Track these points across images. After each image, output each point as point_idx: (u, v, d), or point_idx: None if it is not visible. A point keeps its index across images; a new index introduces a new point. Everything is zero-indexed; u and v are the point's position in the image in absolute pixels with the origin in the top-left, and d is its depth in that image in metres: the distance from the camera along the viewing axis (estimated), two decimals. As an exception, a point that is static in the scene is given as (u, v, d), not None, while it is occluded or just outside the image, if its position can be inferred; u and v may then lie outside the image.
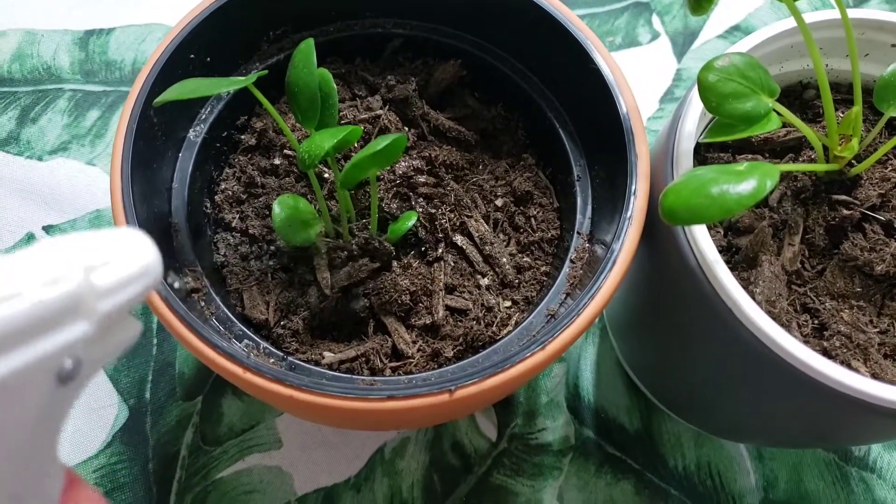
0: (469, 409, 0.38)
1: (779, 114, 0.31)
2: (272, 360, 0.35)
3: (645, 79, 0.61)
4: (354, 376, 0.35)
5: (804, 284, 0.36)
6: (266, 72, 0.34)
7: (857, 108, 0.32)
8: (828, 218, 0.36)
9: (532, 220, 0.42)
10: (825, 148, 0.35)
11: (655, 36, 0.63)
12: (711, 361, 0.35)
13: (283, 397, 0.30)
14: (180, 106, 0.39)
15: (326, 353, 0.37)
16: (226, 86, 0.32)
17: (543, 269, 0.41)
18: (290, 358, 0.36)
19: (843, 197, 0.36)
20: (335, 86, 0.42)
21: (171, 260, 0.37)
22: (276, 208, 0.37)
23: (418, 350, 0.38)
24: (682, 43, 0.63)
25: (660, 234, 0.34)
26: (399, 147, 0.34)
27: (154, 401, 0.49)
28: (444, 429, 0.49)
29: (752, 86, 0.30)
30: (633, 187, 0.34)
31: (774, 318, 0.34)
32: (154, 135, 0.37)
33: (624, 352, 0.48)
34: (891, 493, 0.48)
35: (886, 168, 0.36)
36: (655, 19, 0.64)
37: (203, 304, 0.36)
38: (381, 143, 0.33)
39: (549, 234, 0.41)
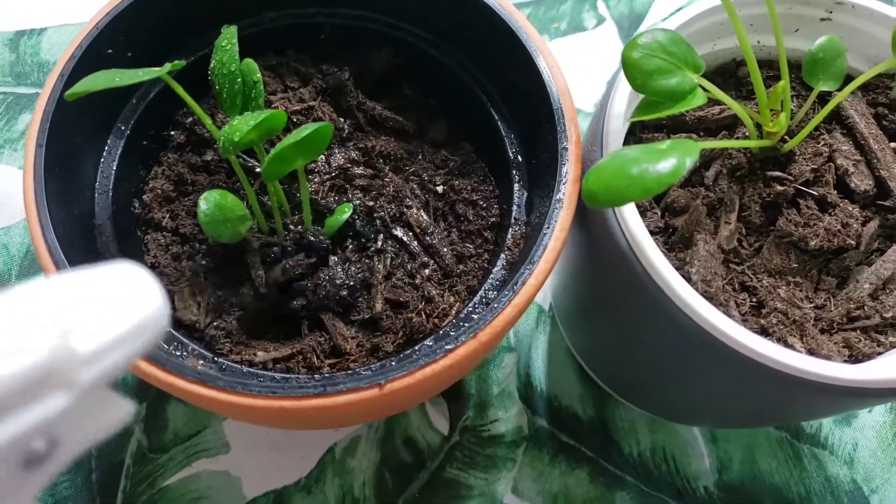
0: (406, 402, 0.38)
1: (705, 90, 0.31)
2: (202, 363, 0.34)
3: (591, 64, 0.61)
4: (289, 376, 0.34)
5: (742, 262, 0.35)
6: (183, 62, 0.33)
7: (783, 83, 0.32)
8: (763, 195, 0.35)
9: (472, 207, 0.41)
10: (759, 125, 0.35)
11: (601, 21, 0.63)
12: (652, 346, 0.35)
13: (206, 399, 0.29)
14: (102, 102, 0.37)
15: (260, 353, 0.36)
16: (140, 76, 0.31)
17: (485, 256, 0.40)
18: (221, 359, 0.35)
19: (777, 173, 0.36)
20: (261, 76, 0.41)
21: (95, 263, 0.35)
22: (202, 204, 0.36)
23: (358, 345, 0.37)
24: (628, 27, 0.63)
25: (593, 218, 0.33)
26: (324, 136, 0.33)
27: (95, 410, 0.48)
28: (395, 424, 0.48)
29: (676, 61, 0.30)
30: (564, 171, 0.33)
31: (711, 298, 0.33)
32: (72, 134, 0.36)
33: (572, 340, 0.48)
34: (843, 468, 0.48)
35: (819, 143, 0.36)
36: (601, 4, 0.64)
37: (128, 306, 0.35)
38: (303, 131, 0.32)
39: (490, 221, 0.41)
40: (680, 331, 0.30)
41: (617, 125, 0.33)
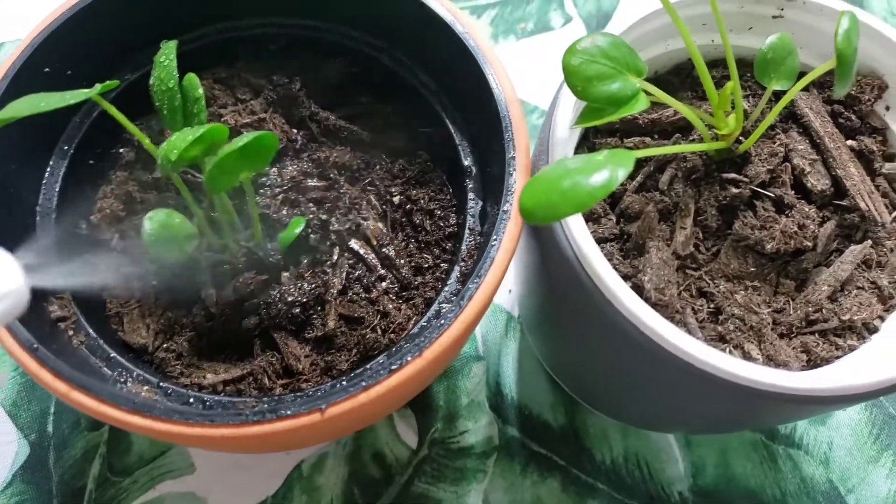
0: (358, 423, 0.37)
1: (650, 94, 0.30)
2: (146, 388, 0.33)
3: (559, 65, 0.60)
4: (237, 399, 0.34)
5: (699, 267, 0.35)
6: (116, 83, 0.32)
7: (731, 85, 0.31)
8: (719, 198, 0.35)
9: (430, 217, 0.40)
10: (713, 127, 0.34)
11: (568, 20, 0.62)
12: (607, 356, 0.34)
13: (143, 428, 0.28)
14: (41, 123, 0.36)
15: (209, 375, 0.35)
16: (67, 100, 0.30)
17: (444, 267, 0.39)
18: (167, 384, 0.34)
19: (733, 175, 0.35)
20: (211, 89, 0.41)
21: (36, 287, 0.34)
22: (146, 224, 0.35)
23: (311, 364, 0.36)
24: (596, 26, 0.62)
25: (542, 228, 0.32)
26: (268, 144, 0.32)
27: (57, 434, 0.47)
28: (363, 439, 0.47)
29: (617, 66, 0.29)
30: (511, 181, 0.32)
31: (666, 306, 0.33)
32: (7, 160, 0.35)
33: (538, 349, 0.47)
34: (819, 468, 0.47)
35: (775, 143, 0.35)
36: (568, 3, 0.63)
37: (71, 332, 0.34)
38: (245, 138, 0.31)
39: (447, 231, 0.40)
40: (630, 342, 0.30)
41: (563, 133, 0.32)
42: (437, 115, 0.40)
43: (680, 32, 0.30)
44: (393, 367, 0.29)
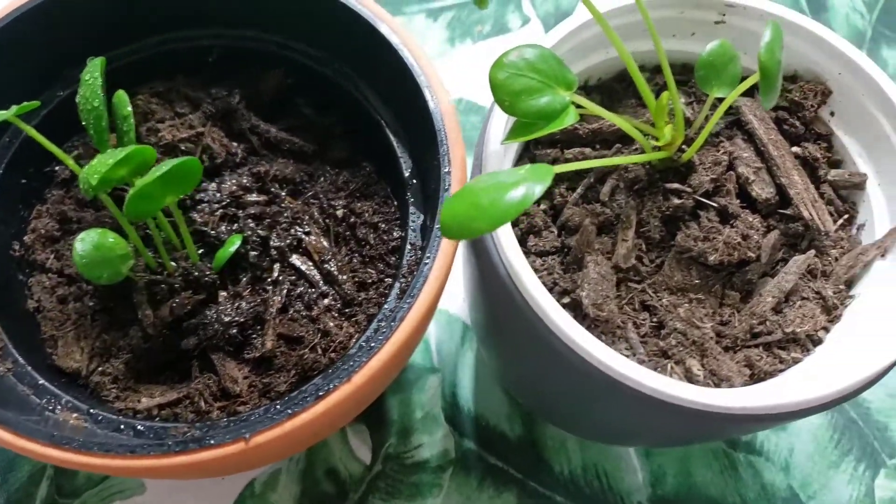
0: (286, 450, 0.36)
1: (581, 106, 0.29)
2: (75, 416, 0.32)
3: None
4: (169, 425, 0.33)
5: (642, 280, 0.34)
6: (36, 103, 0.31)
7: (666, 94, 0.30)
8: (662, 209, 0.34)
9: (374, 231, 0.39)
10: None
11: (526, 21, 0.61)
12: (547, 373, 0.33)
13: (62, 461, 0.27)
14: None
15: (144, 399, 0.34)
16: (-21, 122, 0.29)
17: (388, 282, 0.38)
18: (98, 409, 0.33)
19: (675, 185, 0.34)
20: (148, 104, 0.40)
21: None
22: (78, 246, 0.34)
23: (250, 386, 0.35)
24: (554, 26, 0.61)
25: (477, 241, 0.32)
26: (192, 169, 0.31)
27: (2, 456, 0.46)
28: (316, 455, 0.46)
29: (545, 80, 0.28)
30: (446, 195, 0.32)
31: (606, 321, 0.32)
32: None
33: (488, 362, 0.46)
34: (779, 475, 0.47)
35: (719, 151, 0.35)
36: (526, 4, 0.62)
37: (-5, 360, 0.33)
38: (165, 166, 0.30)
39: (391, 246, 0.39)
40: (562, 360, 0.29)
41: (495, 147, 0.31)
42: (379, 127, 0.39)
43: (631, 36, 0.30)
44: (320, 394, 0.28)
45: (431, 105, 0.34)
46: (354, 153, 0.42)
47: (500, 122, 0.31)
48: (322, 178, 0.41)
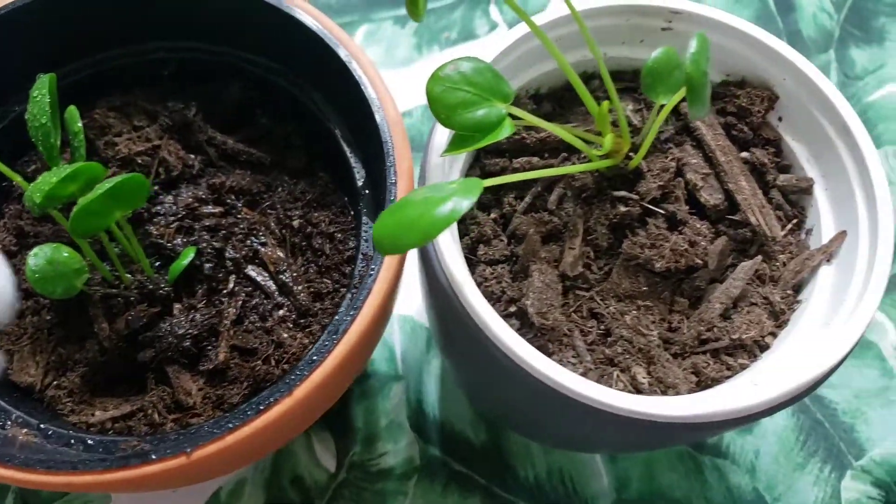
0: (229, 465, 0.36)
1: (518, 118, 0.29)
2: (25, 431, 0.32)
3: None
4: (120, 438, 0.33)
5: (591, 288, 0.34)
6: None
7: (606, 103, 0.30)
8: (609, 216, 0.34)
9: (330, 241, 0.39)
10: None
11: (493, 27, 0.61)
12: (494, 382, 0.33)
13: (5, 479, 0.27)
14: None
15: (97, 413, 0.35)
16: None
17: (343, 293, 0.38)
18: (49, 424, 0.33)
19: (622, 193, 0.34)
20: (106, 118, 0.40)
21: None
22: (31, 261, 0.34)
23: (204, 398, 0.35)
24: (524, 32, 0.61)
25: (423, 251, 0.32)
26: (138, 186, 0.32)
27: (-31, 469, 0.46)
28: (282, 464, 0.46)
29: (481, 92, 0.28)
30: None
31: (552, 329, 0.32)
32: None
33: (449, 371, 0.46)
34: (745, 477, 0.47)
35: (667, 157, 0.35)
36: (493, 9, 0.62)
37: (-55, 377, 0.33)
38: (109, 183, 0.30)
39: (347, 255, 0.39)
40: (504, 369, 0.29)
41: (438, 160, 0.31)
42: (333, 137, 0.39)
43: (582, 43, 0.29)
44: (261, 407, 0.28)
45: (378, 116, 0.34)
46: (312, 163, 0.42)
47: (443, 134, 0.32)
48: (280, 189, 0.41)
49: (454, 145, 0.29)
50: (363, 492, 0.46)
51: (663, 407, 0.27)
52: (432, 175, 0.31)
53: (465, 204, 0.24)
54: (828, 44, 0.62)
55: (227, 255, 0.39)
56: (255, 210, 0.41)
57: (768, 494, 0.47)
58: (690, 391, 0.31)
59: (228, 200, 0.40)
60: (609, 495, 0.46)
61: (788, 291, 0.34)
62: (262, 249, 0.39)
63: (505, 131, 0.28)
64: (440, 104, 0.28)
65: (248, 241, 0.39)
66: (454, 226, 0.34)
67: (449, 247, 0.29)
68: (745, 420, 0.29)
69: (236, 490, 0.46)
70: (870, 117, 0.59)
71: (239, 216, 0.40)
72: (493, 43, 0.34)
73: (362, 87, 0.34)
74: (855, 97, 0.60)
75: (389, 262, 0.31)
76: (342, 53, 0.35)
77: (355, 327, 0.30)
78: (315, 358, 0.29)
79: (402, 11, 0.61)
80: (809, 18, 0.63)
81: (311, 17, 0.36)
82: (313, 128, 0.41)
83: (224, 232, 0.39)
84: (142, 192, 0.32)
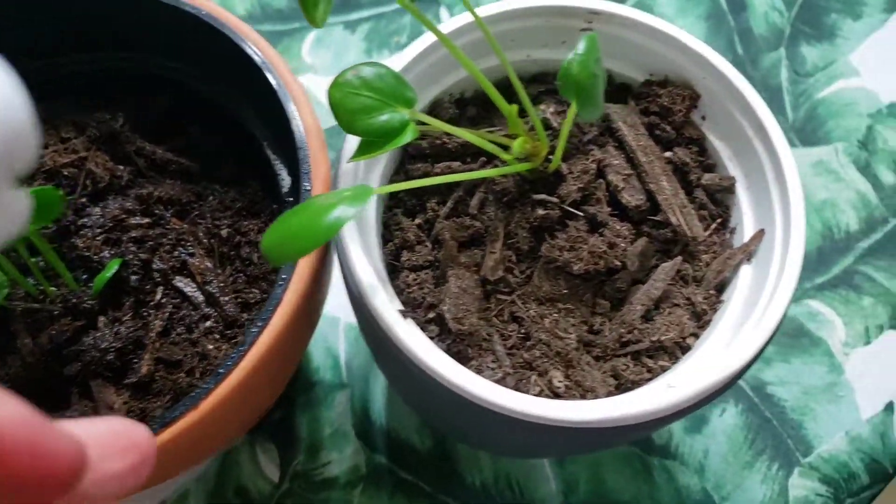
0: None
1: (425, 123, 0.29)
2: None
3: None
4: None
5: (512, 292, 0.34)
6: None
7: (516, 106, 0.30)
8: (530, 219, 0.34)
9: (258, 250, 0.39)
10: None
11: (443, 31, 0.61)
12: (413, 390, 0.33)
13: None
14: None
15: (16, 430, 0.34)
16: None
17: (273, 302, 0.38)
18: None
19: (542, 196, 0.34)
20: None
21: None
22: (-54, 278, 0.34)
23: (128, 412, 0.35)
24: (474, 35, 0.61)
25: (340, 255, 0.31)
26: (50, 199, 0.31)
27: None
28: (226, 475, 0.46)
29: (383, 98, 0.28)
30: (301, 215, 0.31)
31: (470, 334, 0.32)
32: None
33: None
34: (693, 478, 0.47)
35: (588, 159, 0.35)
36: (444, 13, 0.62)
37: None
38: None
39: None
40: (413, 375, 0.29)
41: (349, 165, 0.31)
42: (259, 145, 0.39)
43: (507, 45, 0.29)
44: (166, 421, 0.28)
45: (294, 122, 0.33)
46: (242, 172, 0.42)
47: (354, 141, 0.31)
48: (210, 198, 0.41)
49: (361, 151, 0.29)
50: (307, 502, 0.45)
51: (569, 412, 0.26)
52: (343, 181, 0.31)
53: (350, 213, 0.23)
54: (779, 41, 0.62)
55: (154, 266, 0.38)
56: (184, 220, 0.40)
57: (716, 494, 0.46)
58: (609, 394, 0.31)
59: (157, 211, 0.40)
60: (556, 499, 0.46)
61: (711, 292, 0.33)
62: (190, 260, 0.39)
63: (408, 136, 0.28)
64: (341, 110, 0.28)
65: (176, 252, 0.39)
66: (373, 231, 0.33)
67: (358, 254, 0.29)
68: (659, 423, 0.28)
69: (179, 501, 0.45)
70: (820, 114, 0.59)
71: (168, 227, 0.39)
72: (409, 48, 0.33)
73: (277, 92, 0.34)
74: (805, 94, 0.60)
75: (300, 271, 0.30)
76: (257, 59, 0.35)
77: (263, 339, 0.29)
78: (221, 371, 0.29)
79: (353, 16, 0.61)
80: (761, 16, 0.63)
81: (230, 25, 0.36)
82: (241, 136, 0.41)
83: (152, 243, 0.39)
84: (54, 206, 0.32)
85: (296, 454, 0.46)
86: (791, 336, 0.51)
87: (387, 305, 0.28)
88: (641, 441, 0.48)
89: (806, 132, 0.58)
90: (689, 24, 0.63)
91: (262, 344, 0.29)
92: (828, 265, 0.53)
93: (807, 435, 0.48)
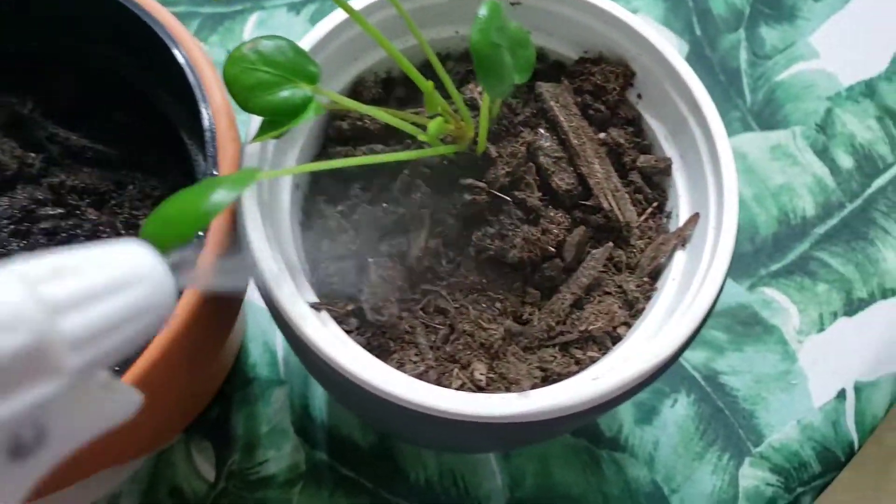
0: None
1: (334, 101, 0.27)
2: None
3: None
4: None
5: (439, 281, 0.32)
6: None
7: (432, 83, 0.28)
8: (457, 206, 0.32)
9: (182, 241, 0.37)
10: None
11: (392, 12, 0.59)
12: (328, 383, 0.31)
13: None
14: None
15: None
16: None
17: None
18: None
19: (469, 181, 0.32)
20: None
21: None
22: None
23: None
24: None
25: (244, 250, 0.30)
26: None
27: None
28: (160, 474, 0.44)
29: (283, 73, 0.26)
30: (207, 202, 0.29)
31: (390, 327, 0.30)
32: None
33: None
34: (643, 470, 0.46)
35: (518, 141, 0.33)
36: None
37: None
38: None
39: (199, 256, 0.37)
40: (319, 369, 0.27)
41: (254, 148, 0.29)
42: (176, 130, 0.37)
43: (433, 22, 0.27)
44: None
45: (201, 103, 0.31)
46: (164, 159, 0.40)
47: (258, 119, 0.29)
48: (130, 187, 0.39)
49: (262, 131, 0.27)
50: (243, 501, 0.43)
51: (482, 407, 0.25)
52: (247, 164, 0.29)
53: (230, 196, 0.22)
54: (738, 22, 0.61)
55: (68, 258, 0.36)
56: (101, 210, 0.38)
57: (666, 486, 0.45)
58: (534, 387, 0.29)
59: (71, 201, 0.38)
60: (502, 494, 0.45)
61: (645, 279, 0.32)
62: (108, 251, 0.37)
63: (310, 114, 0.26)
64: (237, 86, 0.26)
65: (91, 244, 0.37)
66: (286, 218, 0.32)
67: (261, 244, 0.27)
68: (583, 416, 0.27)
69: (109, 505, 0.43)
70: (778, 96, 0.57)
71: (83, 217, 0.37)
72: (320, 24, 0.31)
73: (186, 72, 0.32)
74: (764, 77, 0.58)
75: (204, 264, 0.29)
76: (164, 37, 0.33)
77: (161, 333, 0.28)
78: (117, 368, 0.27)
79: (295, -3, 0.59)
80: (719, -4, 0.62)
81: (137, 2, 0.34)
82: (160, 121, 0.39)
83: (65, 235, 0.37)
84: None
85: (232, 452, 0.44)
86: (745, 324, 0.49)
87: (292, 298, 0.27)
88: (590, 433, 0.47)
89: (764, 116, 0.57)
90: (647, 4, 0.61)
91: (159, 338, 0.28)
92: (783, 252, 0.52)
93: (758, 424, 0.47)
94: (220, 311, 0.32)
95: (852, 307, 0.50)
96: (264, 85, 0.26)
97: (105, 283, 0.14)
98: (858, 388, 0.47)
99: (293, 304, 0.27)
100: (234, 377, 0.46)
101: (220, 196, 0.21)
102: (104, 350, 0.14)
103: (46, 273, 0.14)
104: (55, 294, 0.13)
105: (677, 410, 0.47)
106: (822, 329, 0.49)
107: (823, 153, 0.55)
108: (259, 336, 0.47)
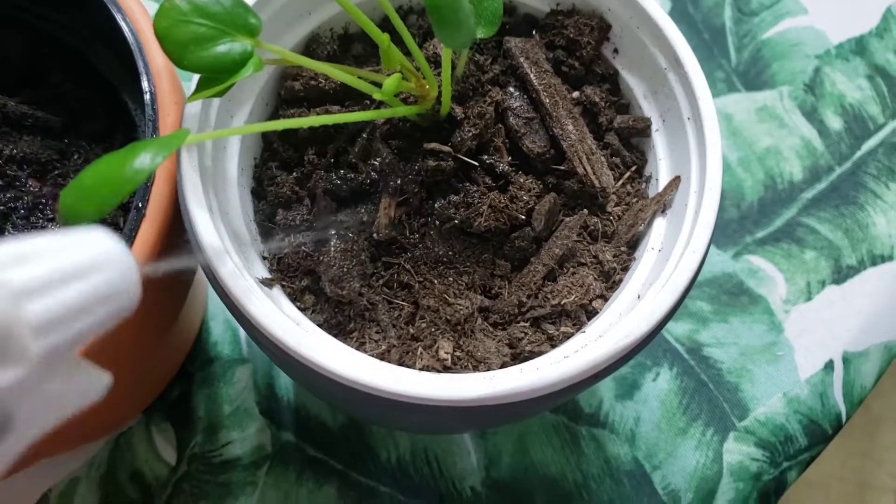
0: None
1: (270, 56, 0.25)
2: None
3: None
4: None
5: (403, 253, 0.30)
6: None
7: (388, 36, 0.26)
8: (421, 172, 0.30)
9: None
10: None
11: None
12: (281, 364, 0.29)
13: None
14: None
15: None
16: None
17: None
18: None
19: (433, 145, 0.30)
20: None
21: None
22: None
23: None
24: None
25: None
26: None
27: None
28: (120, 458, 0.42)
29: (220, 26, 0.24)
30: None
31: (349, 303, 0.28)
32: None
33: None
34: (624, 447, 0.44)
35: (485, 101, 0.30)
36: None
37: None
38: None
39: (148, 229, 0.34)
40: (269, 349, 0.25)
41: (195, 108, 0.26)
42: (119, 96, 0.34)
43: None
44: None
45: (140, 64, 0.29)
46: (111, 126, 0.37)
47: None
48: (76, 156, 0.36)
49: (200, 88, 0.24)
50: (206, 485, 0.42)
51: (437, 389, 0.23)
52: (186, 127, 0.26)
53: (156, 160, 0.19)
54: (722, -22, 0.58)
55: (7, 234, 0.34)
56: (44, 181, 0.36)
57: (648, 463, 0.44)
58: (504, 365, 0.27)
59: (10, 172, 0.35)
60: (478, 473, 0.43)
61: (622, 248, 0.30)
62: (50, 226, 0.34)
63: (249, 70, 0.23)
64: (169, 41, 0.23)
65: (33, 218, 0.34)
66: (233, 186, 0.29)
67: (201, 215, 0.25)
68: (552, 398, 0.25)
69: (67, 491, 0.41)
70: (764, 55, 0.55)
71: (24, 189, 0.35)
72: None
73: (121, 29, 0.29)
74: (750, 35, 0.56)
75: (144, 238, 0.26)
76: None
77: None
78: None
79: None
80: (703, -49, 0.59)
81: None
82: (105, 85, 0.36)
83: (2, 208, 0.34)
84: None
85: (194, 434, 0.42)
86: (730, 294, 0.48)
87: (234, 274, 0.24)
88: (568, 409, 0.45)
89: (750, 76, 0.54)
90: (629, -39, 0.58)
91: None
92: (770, 217, 0.50)
93: (743, 398, 0.45)
94: (166, 287, 0.29)
95: (841, 275, 0.48)
96: (199, 39, 0.23)
97: (69, 268, 0.14)
98: (847, 359, 0.46)
99: (235, 281, 0.24)
100: (195, 356, 0.44)
101: (143, 161, 0.19)
102: (69, 335, 0.14)
103: (10, 258, 0.13)
104: (19, 279, 0.13)
105: (659, 384, 0.46)
106: (809, 298, 0.47)
107: (812, 114, 0.53)
108: (220, 313, 0.45)
